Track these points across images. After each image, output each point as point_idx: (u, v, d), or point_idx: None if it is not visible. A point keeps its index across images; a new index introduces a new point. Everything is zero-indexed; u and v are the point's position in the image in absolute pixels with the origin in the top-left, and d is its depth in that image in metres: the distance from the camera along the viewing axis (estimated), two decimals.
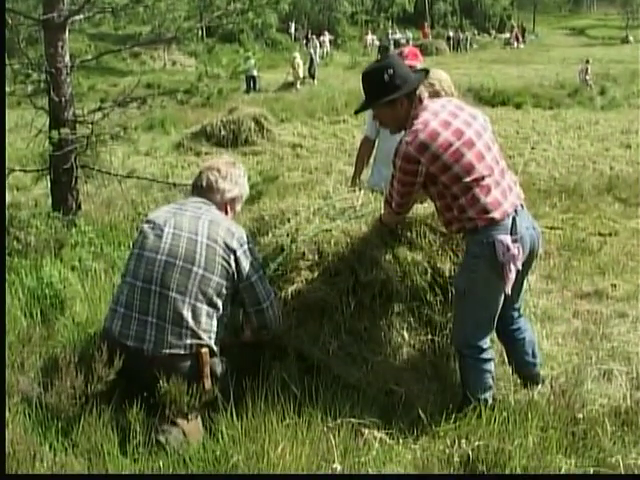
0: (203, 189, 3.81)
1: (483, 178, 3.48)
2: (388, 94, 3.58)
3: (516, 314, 3.94)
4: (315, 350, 3.84)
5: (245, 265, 3.61)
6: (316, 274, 3.96)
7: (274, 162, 14.10)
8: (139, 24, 11.54)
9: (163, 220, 3.66)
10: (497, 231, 3.44)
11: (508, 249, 3.40)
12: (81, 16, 7.76)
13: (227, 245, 3.57)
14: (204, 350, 3.48)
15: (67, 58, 7.43)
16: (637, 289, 6.08)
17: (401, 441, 3.42)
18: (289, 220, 4.33)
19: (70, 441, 3.28)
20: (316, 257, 4.02)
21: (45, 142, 7.46)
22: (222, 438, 3.30)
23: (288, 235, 4.17)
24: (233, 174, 3.85)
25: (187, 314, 3.48)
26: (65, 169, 7.46)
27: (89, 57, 8.20)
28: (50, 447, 3.23)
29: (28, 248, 6.17)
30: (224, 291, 3.59)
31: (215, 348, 3.58)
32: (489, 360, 3.69)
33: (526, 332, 3.97)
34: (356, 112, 4.06)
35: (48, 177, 7.79)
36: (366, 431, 3.44)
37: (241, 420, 3.35)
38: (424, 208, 4.09)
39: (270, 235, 4.29)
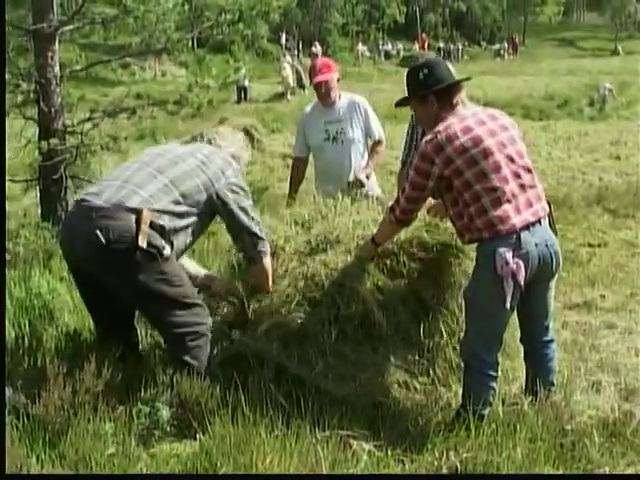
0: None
1: (495, 189, 3.46)
2: (418, 91, 3.71)
3: (547, 337, 3.87)
4: (301, 370, 3.81)
5: (227, 197, 3.87)
6: (294, 305, 3.93)
7: (265, 173, 14.07)
8: (130, 35, 11.53)
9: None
10: (499, 244, 3.42)
11: (507, 263, 3.37)
12: (71, 27, 7.77)
13: (211, 181, 3.84)
14: (146, 211, 3.52)
15: (57, 68, 7.43)
16: (626, 300, 6.11)
17: (389, 453, 3.40)
18: None
19: (57, 452, 3.25)
20: (295, 290, 3.99)
21: (35, 152, 7.46)
22: (210, 450, 3.29)
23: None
24: (230, 137, 4.33)
25: (149, 187, 3.63)
26: (54, 179, 7.46)
27: (79, 67, 8.18)
28: (37, 459, 3.21)
29: (17, 258, 6.15)
30: (199, 200, 3.78)
31: (166, 226, 3.63)
32: (494, 377, 3.65)
33: (553, 361, 3.92)
34: (396, 105, 4.11)
35: (37, 187, 7.78)
36: (354, 443, 3.43)
37: (229, 432, 3.34)
38: (402, 234, 4.06)
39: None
